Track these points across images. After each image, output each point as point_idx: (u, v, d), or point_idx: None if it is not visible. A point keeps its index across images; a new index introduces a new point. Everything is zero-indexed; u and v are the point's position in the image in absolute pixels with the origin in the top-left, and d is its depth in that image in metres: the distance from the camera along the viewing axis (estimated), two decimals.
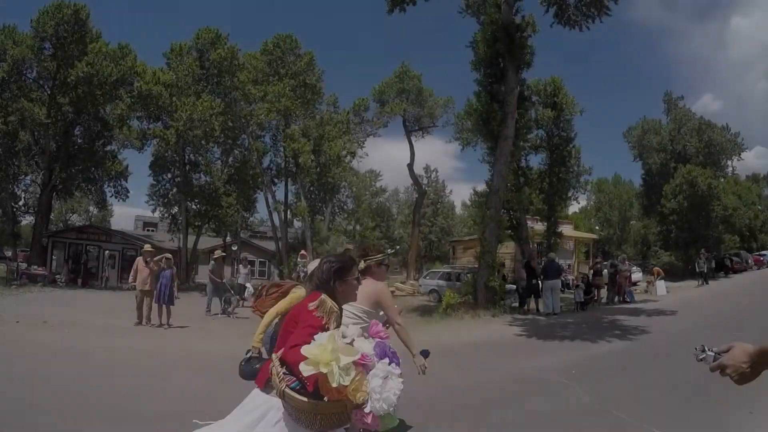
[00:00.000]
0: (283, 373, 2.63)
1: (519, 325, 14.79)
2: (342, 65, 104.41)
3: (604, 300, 20.96)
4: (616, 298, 20.80)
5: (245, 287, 18.26)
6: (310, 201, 35.90)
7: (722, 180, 44.68)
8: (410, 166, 35.82)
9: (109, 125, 30.30)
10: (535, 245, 26.92)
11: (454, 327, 14.66)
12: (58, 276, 28.64)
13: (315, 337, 2.56)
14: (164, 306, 13.36)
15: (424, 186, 44.66)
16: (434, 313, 16.88)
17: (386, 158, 79.96)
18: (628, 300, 20.80)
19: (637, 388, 7.29)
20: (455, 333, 13.54)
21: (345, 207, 41.01)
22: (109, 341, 10.58)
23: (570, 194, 26.71)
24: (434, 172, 53.48)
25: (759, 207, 63.23)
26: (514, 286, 19.88)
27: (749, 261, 42.36)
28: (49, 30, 27.35)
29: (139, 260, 13.55)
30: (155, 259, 13.68)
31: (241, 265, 19.39)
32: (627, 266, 22.27)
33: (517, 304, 18.94)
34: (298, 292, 4.29)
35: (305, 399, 2.53)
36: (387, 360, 2.66)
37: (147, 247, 14.47)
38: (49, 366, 8.01)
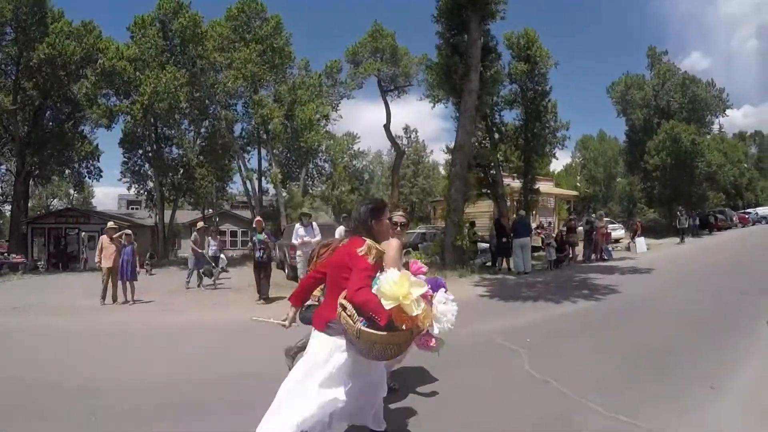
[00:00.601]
0: (378, 320, 2.87)
1: (485, 285, 13.96)
2: (318, 29, 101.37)
3: (580, 258, 20.07)
4: (593, 256, 19.92)
5: (218, 258, 17.70)
6: (287, 167, 34.97)
7: (707, 137, 43.86)
8: (386, 126, 34.56)
9: (79, 106, 29.13)
10: (514, 203, 26.09)
11: None
12: (39, 262, 28.01)
13: (383, 276, 2.92)
14: (128, 282, 13.04)
15: (403, 147, 43.88)
16: None
17: (371, 120, 78.34)
18: (606, 257, 20.01)
19: (590, 354, 6.66)
20: None
21: (323, 171, 39.78)
22: (73, 321, 10.52)
23: (547, 150, 25.54)
24: (414, 132, 52.58)
25: (745, 165, 62.65)
26: (488, 245, 19.06)
27: (734, 218, 42.25)
28: (8, 14, 26.21)
29: (104, 238, 13.19)
30: (115, 236, 13.26)
31: (210, 238, 18.66)
32: (604, 223, 21.50)
33: (490, 263, 18.14)
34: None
35: (382, 332, 2.85)
36: (443, 289, 3.10)
37: (110, 224, 14.04)
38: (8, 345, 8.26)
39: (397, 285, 2.79)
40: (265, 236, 13.04)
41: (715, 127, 49.91)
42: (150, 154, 30.92)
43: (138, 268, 13.97)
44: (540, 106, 23.87)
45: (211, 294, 14.64)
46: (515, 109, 24.69)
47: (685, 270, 16.10)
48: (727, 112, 44.10)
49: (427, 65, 17.92)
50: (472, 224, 18.32)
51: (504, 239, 16.87)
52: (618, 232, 29.21)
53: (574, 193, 37.61)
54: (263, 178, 33.24)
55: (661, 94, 40.26)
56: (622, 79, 42.78)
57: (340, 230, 14.13)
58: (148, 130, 29.94)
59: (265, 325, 4.23)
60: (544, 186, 32.61)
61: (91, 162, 33.03)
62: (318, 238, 13.30)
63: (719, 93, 43.09)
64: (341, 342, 3.17)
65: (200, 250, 16.05)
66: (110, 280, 12.81)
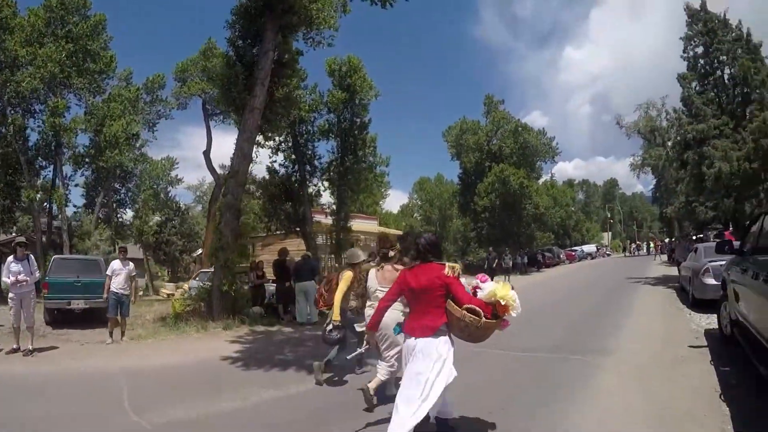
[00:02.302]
0: (486, 315, 4.14)
1: (245, 341, 10.90)
2: (155, 42, 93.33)
3: None
4: None
5: None
6: (95, 190, 30.16)
7: (537, 181, 45.06)
8: (206, 153, 28.94)
9: None
10: (330, 241, 23.30)
11: (167, 344, 10.87)
12: None
13: (492, 285, 4.36)
14: None
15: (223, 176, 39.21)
16: (167, 324, 12.96)
17: (218, 147, 73.79)
18: None
19: None
20: (156, 354, 9.90)
21: (136, 198, 33.84)
22: None
23: (363, 186, 22.95)
24: None
25: (572, 208, 67.61)
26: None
27: (561, 256, 44.68)
28: None
29: None
30: None
31: None
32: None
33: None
34: (347, 273, 6.59)
35: (493, 320, 4.21)
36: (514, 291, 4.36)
37: None
38: None
39: (504, 290, 4.24)
40: None
41: (547, 175, 52.27)
42: None
43: None
44: (358, 139, 21.50)
45: None
46: (332, 140, 22.05)
47: None
48: (561, 164, 47.00)
49: (209, 76, 14.27)
50: (256, 266, 15.09)
51: (287, 283, 13.98)
52: None
53: (399, 232, 35.77)
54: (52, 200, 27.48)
55: (494, 140, 40.51)
56: (458, 124, 42.76)
57: (114, 265, 11.25)
58: None
59: None
60: (368, 225, 30.59)
61: None
62: (37, 275, 9.88)
63: (549, 141, 44.57)
64: (447, 338, 4.24)
65: None
66: None
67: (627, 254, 61.05)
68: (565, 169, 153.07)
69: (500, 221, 37.13)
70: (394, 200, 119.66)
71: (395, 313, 5.19)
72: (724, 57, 20.33)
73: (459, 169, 42.60)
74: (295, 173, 20.99)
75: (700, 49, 21.15)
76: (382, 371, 5.63)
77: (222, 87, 14.16)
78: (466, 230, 41.99)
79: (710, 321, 10.27)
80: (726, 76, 20.70)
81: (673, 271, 24.51)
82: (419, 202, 67.24)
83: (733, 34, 20.49)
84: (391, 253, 6.09)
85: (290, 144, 20.89)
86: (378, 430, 4.89)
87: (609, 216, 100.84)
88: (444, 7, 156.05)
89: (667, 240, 51.52)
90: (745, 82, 19.30)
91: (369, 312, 5.87)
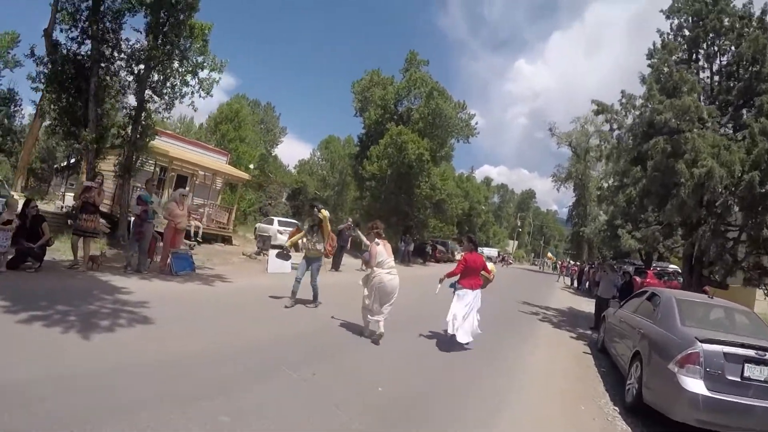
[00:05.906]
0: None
1: None
2: None
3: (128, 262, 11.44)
4: (148, 263, 11.78)
5: None
6: None
7: (444, 162, 40.55)
8: (48, 31, 19.34)
9: None
10: (120, 160, 15.33)
11: None
12: None
13: (489, 264, 9.82)
14: None
15: None
16: None
17: None
18: (176, 271, 11.83)
19: None
20: None
21: None
22: None
23: (177, 93, 15.27)
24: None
25: (483, 207, 64.65)
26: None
27: (455, 253, 40.29)
28: None
29: None
30: None
31: None
32: (184, 210, 12.72)
33: None
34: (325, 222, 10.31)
35: (491, 281, 9.83)
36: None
37: None
38: None
39: (494, 267, 10.01)
40: None
41: (468, 170, 48.36)
42: None
43: None
44: (181, 23, 14.11)
45: None
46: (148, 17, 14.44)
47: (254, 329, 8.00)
48: (486, 166, 43.50)
49: None
50: None
51: None
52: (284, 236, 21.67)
53: (245, 176, 28.60)
54: None
55: (404, 100, 35.18)
56: (369, 75, 36.85)
57: None
58: None
59: None
60: (213, 160, 24.70)
61: None
62: None
63: (469, 117, 38.92)
64: (480, 290, 9.02)
65: None
66: None
67: (504, 265, 56.70)
68: (489, 172, 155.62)
69: (388, 195, 31.77)
70: (299, 153, 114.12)
71: (397, 279, 8.27)
72: (724, 37, 14.43)
73: (362, 128, 36.94)
74: (87, 52, 14.26)
75: (688, 21, 15.19)
76: (381, 321, 8.19)
77: None
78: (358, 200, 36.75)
79: None
80: (719, 62, 14.78)
81: (582, 302, 21.08)
82: (321, 162, 61.48)
83: (740, 8, 14.43)
84: (382, 234, 8.82)
85: (89, 9, 14.22)
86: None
87: (519, 225, 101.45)
88: None
89: (574, 263, 48.46)
90: (755, 64, 13.21)
91: (388, 277, 8.15)
